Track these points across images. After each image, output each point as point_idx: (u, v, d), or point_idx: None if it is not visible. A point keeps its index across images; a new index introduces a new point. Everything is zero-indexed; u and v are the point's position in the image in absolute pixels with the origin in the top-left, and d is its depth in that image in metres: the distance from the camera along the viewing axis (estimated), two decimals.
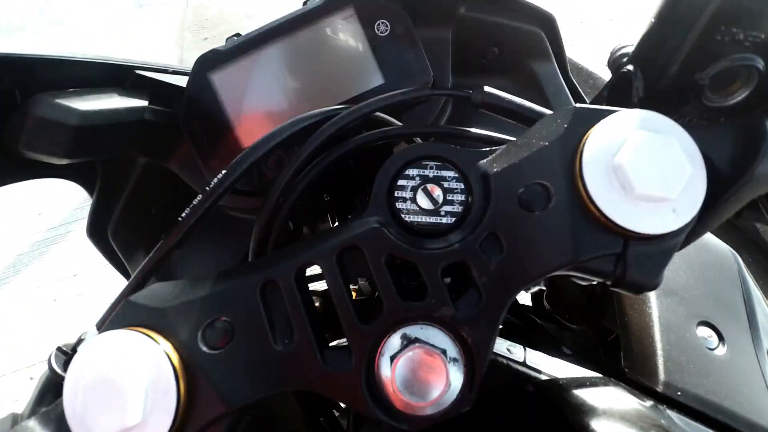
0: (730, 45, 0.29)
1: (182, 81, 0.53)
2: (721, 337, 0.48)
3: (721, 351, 0.47)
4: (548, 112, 0.38)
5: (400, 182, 0.33)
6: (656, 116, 0.29)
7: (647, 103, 0.33)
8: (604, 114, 0.29)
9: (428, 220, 0.32)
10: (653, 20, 0.33)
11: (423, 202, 0.32)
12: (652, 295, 0.50)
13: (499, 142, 0.41)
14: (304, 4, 0.49)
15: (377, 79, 0.49)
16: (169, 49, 3.52)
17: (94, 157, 0.49)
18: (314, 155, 0.39)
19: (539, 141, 0.30)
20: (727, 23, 0.29)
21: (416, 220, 0.32)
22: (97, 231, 0.61)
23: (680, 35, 0.30)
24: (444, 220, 0.32)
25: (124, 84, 0.50)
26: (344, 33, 0.49)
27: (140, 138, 0.52)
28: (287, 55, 0.49)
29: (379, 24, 0.48)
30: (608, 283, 0.30)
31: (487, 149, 0.33)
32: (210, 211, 0.38)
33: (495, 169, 0.31)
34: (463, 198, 0.32)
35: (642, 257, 0.28)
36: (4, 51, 0.41)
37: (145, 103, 0.50)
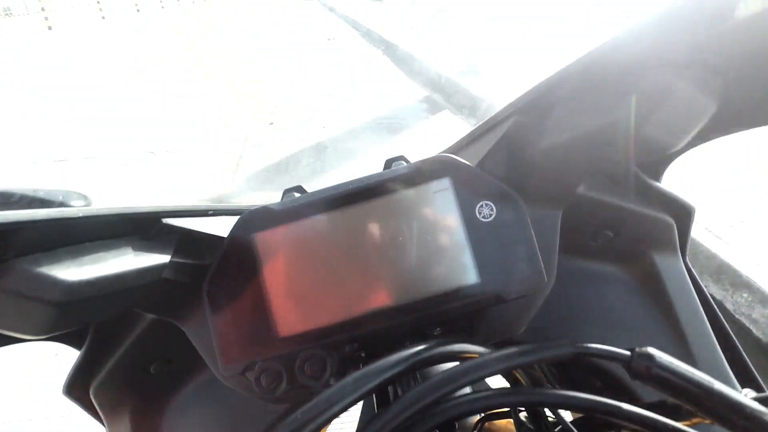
0: None
1: (217, 226, 0.41)
2: None
3: None
4: (753, 405, 0.24)
5: None
6: None
7: None
8: None
9: None
10: None
11: None
12: None
13: None
14: (387, 166, 0.39)
15: (470, 276, 0.36)
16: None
17: (81, 325, 0.37)
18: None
19: None
20: None
21: None
22: (77, 389, 0.49)
23: None
24: None
25: (146, 234, 0.39)
26: (434, 210, 0.37)
27: (153, 298, 0.40)
28: (357, 227, 0.37)
29: (482, 206, 0.37)
30: None
31: None
32: None
33: None
34: None
35: None
36: None
37: (167, 258, 0.38)
